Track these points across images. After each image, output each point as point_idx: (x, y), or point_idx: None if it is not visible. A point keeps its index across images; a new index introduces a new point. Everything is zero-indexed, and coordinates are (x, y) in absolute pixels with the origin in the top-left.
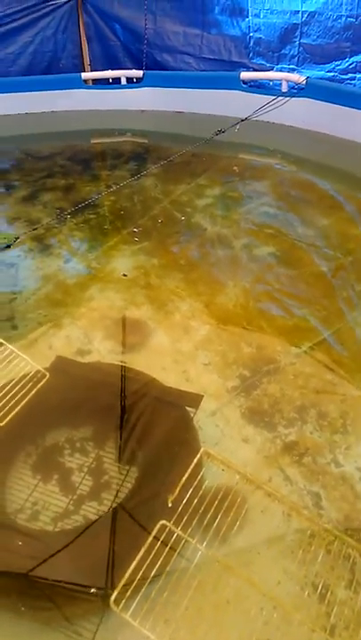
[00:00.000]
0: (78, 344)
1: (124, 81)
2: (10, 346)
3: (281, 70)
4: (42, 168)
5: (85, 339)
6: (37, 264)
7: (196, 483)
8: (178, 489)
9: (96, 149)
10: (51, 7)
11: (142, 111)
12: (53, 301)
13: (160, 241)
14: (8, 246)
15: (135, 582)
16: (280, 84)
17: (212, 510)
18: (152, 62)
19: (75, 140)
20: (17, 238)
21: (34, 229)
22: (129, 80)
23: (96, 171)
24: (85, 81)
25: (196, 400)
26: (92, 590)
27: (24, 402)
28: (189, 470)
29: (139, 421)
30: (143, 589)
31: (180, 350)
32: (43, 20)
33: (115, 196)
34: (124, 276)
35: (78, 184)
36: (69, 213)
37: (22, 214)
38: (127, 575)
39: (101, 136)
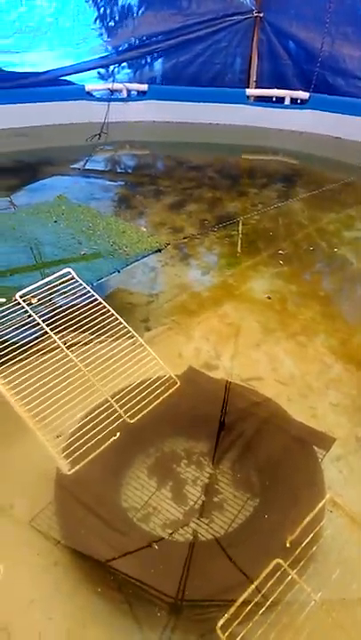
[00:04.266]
0: (206, 357)
1: (287, 101)
2: (148, 348)
3: None
4: (191, 178)
5: (214, 353)
6: (176, 272)
7: (317, 529)
8: (298, 530)
9: (246, 166)
10: (229, 22)
11: (300, 133)
12: (187, 311)
13: (301, 268)
14: (159, 250)
15: (243, 615)
16: None
17: (330, 562)
18: (322, 84)
19: (226, 153)
20: (168, 244)
21: (184, 239)
22: (293, 100)
23: (244, 187)
24: (249, 97)
25: (327, 442)
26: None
27: (154, 404)
28: (312, 514)
29: (263, 450)
30: (250, 626)
31: (310, 385)
32: (219, 34)
33: (259, 216)
34: (268, 298)
35: (225, 198)
36: (214, 227)
37: (168, 221)
38: (236, 604)
39: (253, 153)
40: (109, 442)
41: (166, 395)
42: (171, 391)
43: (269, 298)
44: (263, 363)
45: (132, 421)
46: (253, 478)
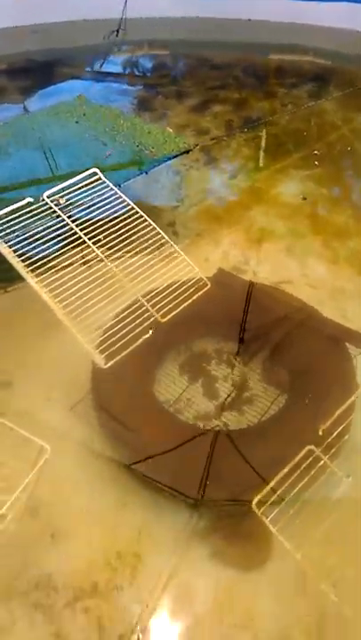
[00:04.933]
0: (235, 262)
1: None
2: (178, 250)
3: None
4: (215, 77)
5: (242, 258)
6: (202, 176)
7: (349, 420)
8: (330, 421)
9: (274, 65)
10: None
11: (333, 29)
12: (214, 216)
13: (334, 170)
14: (188, 151)
15: (277, 494)
16: None
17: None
18: None
19: (253, 52)
20: (197, 145)
21: (212, 140)
22: None
23: (272, 87)
24: None
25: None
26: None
27: (185, 305)
28: (344, 406)
29: (295, 348)
30: (283, 504)
31: (341, 288)
32: None
33: (289, 117)
34: (304, 199)
35: (251, 99)
36: (241, 129)
37: (191, 123)
38: (270, 485)
39: (282, 51)
40: (142, 339)
41: (197, 296)
42: (201, 292)
43: (305, 199)
44: (293, 267)
45: (163, 320)
46: (285, 375)
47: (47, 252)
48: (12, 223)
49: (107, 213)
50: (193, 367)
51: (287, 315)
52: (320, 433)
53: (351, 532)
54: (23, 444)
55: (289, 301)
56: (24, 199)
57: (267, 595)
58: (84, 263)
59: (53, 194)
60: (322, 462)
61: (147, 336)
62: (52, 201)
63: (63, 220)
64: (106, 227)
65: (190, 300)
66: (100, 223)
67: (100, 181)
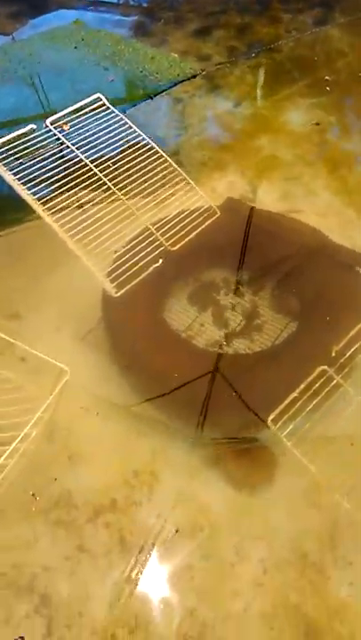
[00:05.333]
0: (242, 191)
1: None
2: (188, 178)
3: None
4: (216, 1)
5: (249, 187)
6: (205, 103)
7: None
8: (344, 342)
9: None
10: None
11: None
12: (219, 145)
13: (342, 98)
14: (194, 76)
15: (292, 411)
16: None
17: None
18: None
19: None
20: (203, 70)
21: (218, 65)
22: None
23: (276, 12)
24: None
25: None
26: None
27: (194, 233)
28: (357, 328)
29: (306, 275)
30: (298, 420)
31: (349, 217)
32: None
33: (294, 43)
34: (317, 124)
35: (255, 24)
36: (245, 55)
37: (192, 49)
38: (285, 403)
39: None
40: (152, 268)
41: (206, 224)
42: (211, 221)
43: (318, 124)
44: (302, 195)
45: (173, 249)
46: (296, 302)
47: (53, 179)
48: (15, 151)
49: (113, 140)
50: (203, 297)
51: (297, 242)
52: (333, 354)
53: None
54: (41, 367)
55: (299, 228)
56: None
57: (280, 508)
58: (92, 192)
59: (57, 120)
60: (335, 382)
61: (157, 265)
62: (55, 128)
63: (68, 147)
64: (112, 154)
65: (200, 229)
66: (107, 150)
67: (104, 107)
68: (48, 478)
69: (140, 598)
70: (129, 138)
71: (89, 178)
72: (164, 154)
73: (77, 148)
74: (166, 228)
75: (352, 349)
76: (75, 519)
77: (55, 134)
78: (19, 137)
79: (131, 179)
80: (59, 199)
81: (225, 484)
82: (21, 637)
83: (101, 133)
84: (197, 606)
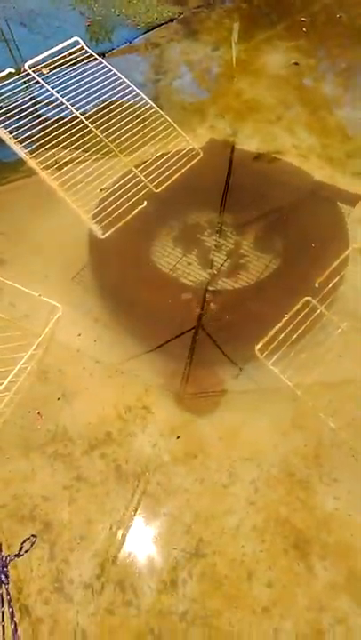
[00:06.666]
0: (223, 134)
1: None
2: (170, 120)
3: None
4: None
5: (230, 130)
6: (183, 48)
7: (343, 273)
8: (326, 273)
9: None
10: None
11: None
12: (199, 89)
13: (319, 41)
14: (172, 20)
15: (277, 341)
16: None
17: (354, 300)
18: None
19: None
20: (181, 14)
21: (198, 7)
22: None
23: None
24: None
25: (352, 199)
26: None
27: (177, 175)
28: (338, 260)
29: (289, 212)
30: (284, 348)
31: (330, 156)
32: None
33: None
34: (296, 64)
35: None
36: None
37: None
38: (271, 333)
39: None
40: (137, 210)
41: (189, 166)
42: (193, 162)
43: (296, 64)
44: (283, 137)
45: (157, 191)
46: (280, 239)
47: (34, 123)
48: None
49: (93, 84)
50: (187, 238)
51: (280, 181)
52: (316, 285)
53: (348, 371)
54: (32, 310)
55: (281, 168)
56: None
57: (268, 431)
58: (74, 135)
59: (35, 63)
60: (318, 311)
61: (142, 207)
62: (34, 72)
63: (48, 90)
64: (93, 97)
65: (183, 170)
66: (88, 93)
67: (83, 51)
68: (44, 415)
69: (138, 521)
70: (109, 81)
71: (70, 121)
72: (145, 97)
73: (58, 92)
74: (150, 169)
75: (335, 280)
76: (71, 452)
77: (34, 78)
78: None
79: (112, 121)
80: (41, 142)
81: (215, 413)
82: (33, 535)
83: (81, 77)
84: (193, 525)
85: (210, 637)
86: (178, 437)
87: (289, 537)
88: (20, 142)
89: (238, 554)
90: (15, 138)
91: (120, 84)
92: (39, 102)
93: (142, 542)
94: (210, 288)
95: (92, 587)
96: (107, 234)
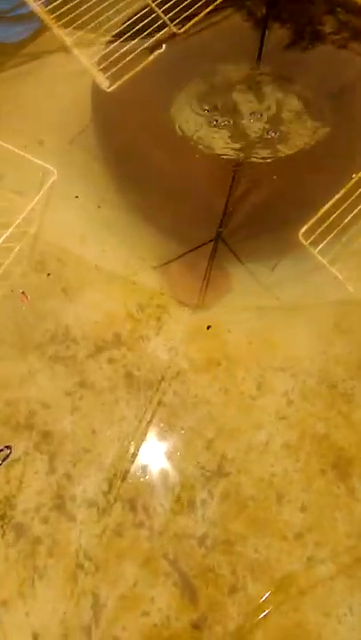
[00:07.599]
0: None
1: None
2: None
3: None
4: None
5: None
6: None
7: None
8: None
9: None
10: None
11: None
12: None
13: None
14: None
15: (325, 225)
16: None
17: None
18: None
19: None
20: None
21: None
22: None
23: None
24: None
25: None
26: None
27: (206, 11)
28: None
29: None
30: (332, 235)
31: None
32: None
33: None
34: None
35: None
36: None
37: None
38: (316, 216)
39: None
40: (153, 56)
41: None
42: None
43: None
44: None
45: (179, 32)
46: (327, 103)
47: None
48: None
49: None
50: (217, 96)
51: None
52: None
53: None
54: (23, 177)
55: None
56: None
57: (307, 336)
58: None
59: None
60: None
61: (159, 51)
62: None
63: None
64: None
65: (213, 6)
66: None
67: None
68: (40, 313)
69: (152, 434)
70: None
71: None
72: None
73: None
74: (170, 3)
75: None
76: (74, 354)
77: None
78: None
79: None
80: None
81: (243, 311)
82: (7, 447)
83: None
84: (215, 440)
85: (232, 564)
86: (198, 342)
87: (327, 456)
88: None
89: (267, 473)
90: None
91: None
92: None
93: (156, 457)
94: (241, 159)
95: (98, 505)
96: (114, 86)
